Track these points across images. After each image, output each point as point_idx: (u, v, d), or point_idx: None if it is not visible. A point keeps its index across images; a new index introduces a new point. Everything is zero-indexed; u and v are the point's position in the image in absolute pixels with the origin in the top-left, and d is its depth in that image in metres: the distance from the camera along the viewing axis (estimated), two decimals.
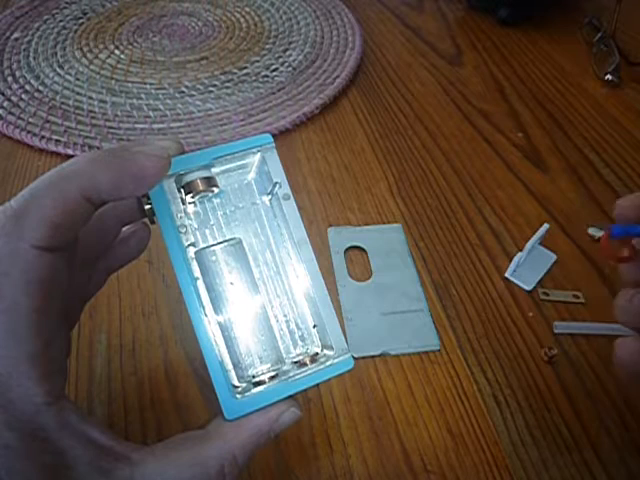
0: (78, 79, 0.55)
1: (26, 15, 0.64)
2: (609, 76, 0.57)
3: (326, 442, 0.31)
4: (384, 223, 0.43)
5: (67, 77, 0.55)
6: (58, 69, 0.56)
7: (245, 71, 0.57)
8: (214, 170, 0.24)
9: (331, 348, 0.24)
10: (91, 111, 0.51)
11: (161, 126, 0.50)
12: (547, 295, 0.38)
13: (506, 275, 0.39)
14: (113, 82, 0.54)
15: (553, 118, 0.53)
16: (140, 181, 0.21)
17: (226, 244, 0.24)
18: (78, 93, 0.53)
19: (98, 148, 0.47)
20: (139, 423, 0.31)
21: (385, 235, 0.42)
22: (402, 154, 0.49)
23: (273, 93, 0.54)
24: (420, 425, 0.32)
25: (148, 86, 0.54)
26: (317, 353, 0.24)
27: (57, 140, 0.47)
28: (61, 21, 0.63)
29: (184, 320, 0.35)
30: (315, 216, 0.43)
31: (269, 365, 0.23)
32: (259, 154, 0.25)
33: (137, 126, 0.49)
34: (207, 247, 0.24)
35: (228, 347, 0.23)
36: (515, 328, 0.36)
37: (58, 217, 0.19)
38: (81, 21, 0.64)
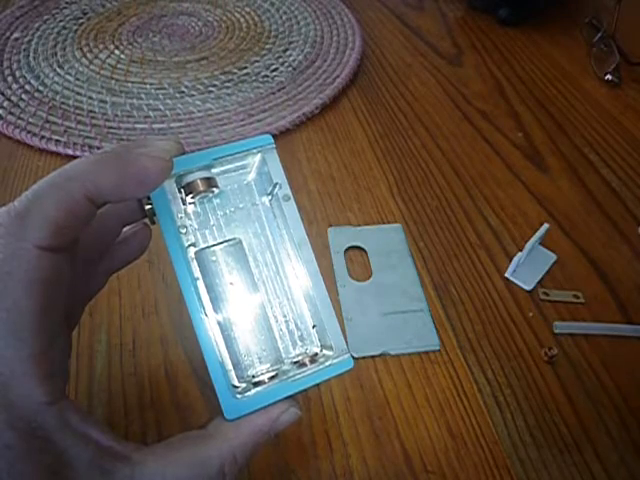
0: (78, 79, 0.55)
1: (26, 15, 0.64)
2: (609, 76, 0.57)
3: (326, 442, 0.31)
4: (384, 223, 0.43)
5: (67, 77, 0.55)
6: (58, 69, 0.56)
7: (245, 71, 0.57)
8: (214, 171, 0.24)
9: (330, 348, 0.24)
10: (91, 111, 0.51)
11: (161, 126, 0.50)
12: (547, 295, 0.38)
13: (506, 275, 0.39)
14: (113, 82, 0.54)
15: (553, 118, 0.53)
16: (143, 183, 0.21)
17: (226, 244, 0.24)
18: (78, 93, 0.53)
19: (98, 148, 0.47)
20: (139, 423, 0.31)
21: (385, 235, 0.42)
22: (402, 154, 0.49)
23: (273, 93, 0.54)
24: (420, 425, 0.32)
25: (148, 86, 0.54)
26: (316, 353, 0.25)
27: (57, 140, 0.47)
28: (61, 21, 0.63)
29: (184, 320, 0.35)
30: (315, 216, 0.43)
31: (269, 365, 0.23)
32: (259, 155, 0.25)
33: (137, 126, 0.49)
34: (207, 247, 0.24)
35: (228, 347, 0.23)
36: (515, 328, 0.36)
37: (61, 218, 0.19)
38: (81, 21, 0.64)
